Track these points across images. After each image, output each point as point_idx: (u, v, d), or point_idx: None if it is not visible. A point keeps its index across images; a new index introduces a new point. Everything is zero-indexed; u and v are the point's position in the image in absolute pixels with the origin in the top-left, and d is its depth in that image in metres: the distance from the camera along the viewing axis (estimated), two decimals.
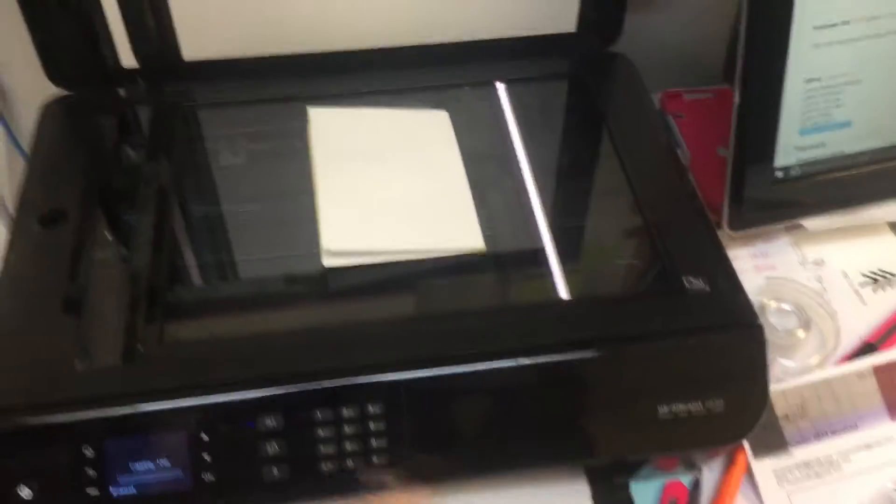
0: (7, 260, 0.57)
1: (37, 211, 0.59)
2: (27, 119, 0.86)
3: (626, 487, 0.59)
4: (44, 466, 0.48)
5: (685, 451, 0.56)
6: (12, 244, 0.58)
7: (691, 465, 0.61)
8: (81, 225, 0.59)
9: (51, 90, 0.70)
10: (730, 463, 0.61)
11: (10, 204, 0.93)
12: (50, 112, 0.69)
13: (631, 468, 0.59)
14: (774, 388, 0.62)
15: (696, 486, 0.60)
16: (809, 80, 0.63)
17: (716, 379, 0.53)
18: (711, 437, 0.54)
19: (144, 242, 0.58)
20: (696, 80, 0.88)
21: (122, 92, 0.71)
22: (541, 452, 0.53)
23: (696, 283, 0.56)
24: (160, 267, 0.57)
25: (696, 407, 0.53)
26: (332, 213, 0.59)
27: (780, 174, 0.65)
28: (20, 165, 0.90)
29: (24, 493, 0.48)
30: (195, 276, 0.61)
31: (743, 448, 0.60)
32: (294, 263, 0.60)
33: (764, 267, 0.70)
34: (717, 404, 0.53)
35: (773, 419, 0.61)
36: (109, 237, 0.60)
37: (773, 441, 0.60)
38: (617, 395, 0.53)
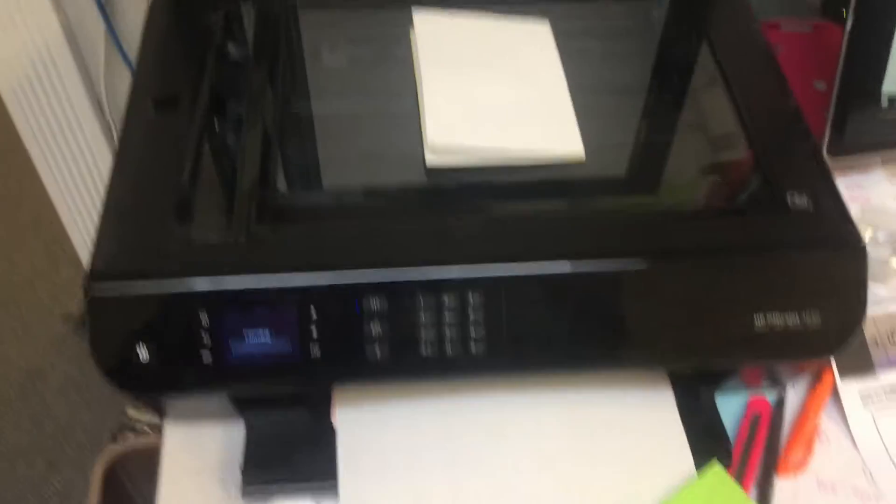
0: (122, 142, 0.59)
1: (150, 96, 0.61)
2: (132, 19, 0.89)
3: (711, 398, 0.60)
4: (163, 332, 0.51)
5: (778, 361, 0.56)
6: (127, 127, 0.60)
7: (777, 383, 0.62)
8: (192, 112, 0.60)
9: None
10: (816, 382, 0.61)
11: (107, 106, 0.96)
12: (158, 6, 0.71)
13: (716, 380, 0.60)
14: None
15: (781, 403, 0.61)
16: None
17: (814, 294, 0.53)
18: (804, 350, 0.54)
19: (254, 133, 0.60)
20: (794, 11, 0.86)
21: None
22: (636, 354, 0.54)
23: (799, 201, 0.56)
24: (269, 155, 0.59)
25: (792, 320, 0.53)
26: (437, 110, 0.59)
27: (885, 102, 0.64)
28: (121, 67, 0.93)
29: (143, 354, 0.51)
30: (302, 167, 0.62)
31: (830, 368, 0.61)
32: (398, 158, 0.61)
33: (858, 198, 0.69)
34: (814, 319, 0.53)
35: (863, 342, 0.61)
36: (219, 125, 0.62)
37: (861, 364, 0.61)
38: (715, 304, 0.53)
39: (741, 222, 0.56)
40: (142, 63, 0.65)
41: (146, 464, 1.11)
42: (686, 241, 0.54)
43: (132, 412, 1.37)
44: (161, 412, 0.59)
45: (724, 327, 0.53)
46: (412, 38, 0.66)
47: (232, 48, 0.69)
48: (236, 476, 0.57)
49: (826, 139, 0.65)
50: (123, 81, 0.94)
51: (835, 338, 0.54)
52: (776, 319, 0.53)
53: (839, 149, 0.66)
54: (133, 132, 0.59)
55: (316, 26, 0.72)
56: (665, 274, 0.53)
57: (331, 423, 0.58)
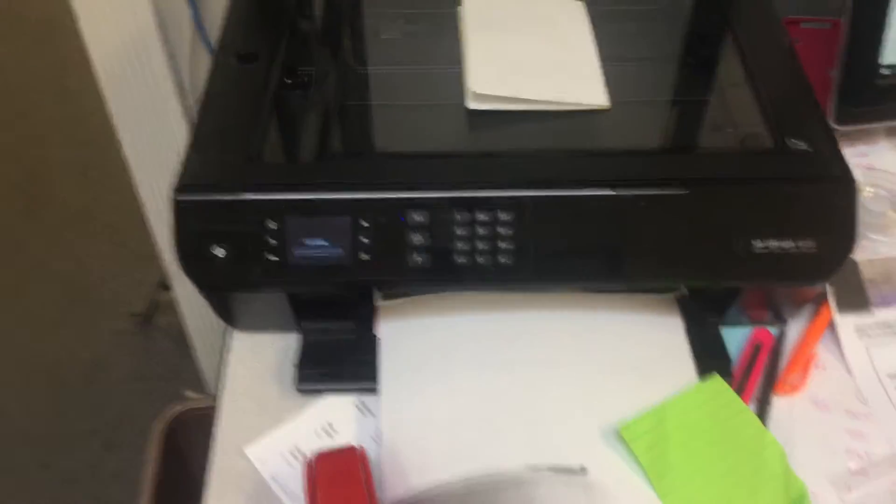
0: (208, 87, 0.69)
1: (234, 50, 0.71)
2: (217, 9, 0.99)
3: (716, 326, 0.67)
4: (237, 234, 0.59)
5: (776, 283, 0.62)
6: (213, 76, 0.70)
7: (778, 318, 0.68)
8: (270, 65, 0.70)
9: None
10: (815, 316, 0.67)
11: (190, 92, 1.06)
12: None
13: (721, 309, 0.66)
14: (863, 257, 0.68)
15: (781, 334, 0.67)
16: None
17: (808, 224, 0.60)
18: (800, 274, 0.61)
19: (320, 86, 0.70)
20: (817, 10, 0.93)
21: None
22: (649, 270, 0.61)
23: (798, 144, 0.63)
24: (332, 103, 0.69)
25: (788, 244, 0.60)
26: (479, 63, 0.68)
27: (886, 71, 0.71)
28: (204, 55, 1.03)
29: (219, 252, 0.60)
30: (360, 112, 0.72)
31: (828, 303, 0.67)
32: (443, 106, 0.70)
33: (863, 165, 0.76)
34: (809, 245, 0.60)
35: (859, 281, 0.67)
36: (290, 78, 0.71)
37: (858, 301, 0.67)
38: (719, 230, 0.60)
39: (746, 160, 0.63)
40: (228, 26, 0.75)
41: (202, 426, 1.19)
42: (696, 173, 0.61)
43: (190, 394, 1.46)
44: (230, 319, 0.68)
45: (727, 250, 0.60)
46: (460, 11, 0.75)
47: (304, 19, 0.79)
48: (292, 375, 0.65)
49: (832, 108, 0.72)
50: (205, 69, 1.04)
51: (828, 264, 0.61)
52: (774, 244, 0.60)
53: (844, 116, 0.72)
54: (218, 80, 0.69)
55: (376, 4, 0.82)
56: (677, 201, 0.60)
57: (374, 334, 0.66)
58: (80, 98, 2.16)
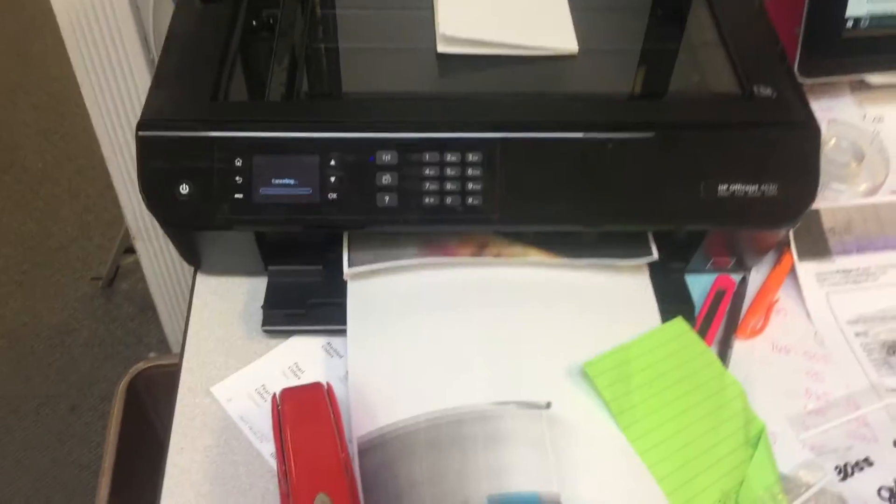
0: (171, 28, 0.68)
1: None
2: None
3: (680, 273, 0.68)
4: (202, 171, 0.59)
5: (740, 227, 0.63)
6: (176, 17, 0.69)
7: (741, 266, 0.69)
8: (235, 7, 0.69)
9: None
10: (776, 264, 0.68)
11: (155, 46, 1.05)
12: None
13: (686, 257, 0.67)
14: (824, 205, 0.69)
15: (744, 280, 0.68)
16: None
17: (773, 167, 0.61)
18: (764, 218, 0.61)
19: (286, 28, 0.69)
20: None
21: None
22: (615, 215, 0.61)
23: (763, 91, 0.63)
24: (299, 45, 0.68)
25: (753, 189, 0.61)
26: (450, 8, 0.68)
27: (850, 23, 0.72)
28: (169, 6, 1.02)
29: (184, 189, 0.59)
30: (329, 54, 0.71)
31: (790, 251, 0.68)
32: (414, 51, 0.69)
33: (827, 118, 0.77)
34: (772, 189, 0.61)
35: (821, 230, 0.68)
36: (256, 21, 0.71)
37: (819, 249, 0.68)
38: (685, 173, 0.60)
39: (712, 105, 0.64)
40: None
41: (166, 384, 1.18)
42: (662, 117, 0.62)
43: (153, 357, 1.45)
44: (196, 260, 0.67)
45: (693, 193, 0.61)
46: None
47: None
48: (258, 317, 0.65)
49: (797, 59, 0.73)
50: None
51: (791, 209, 0.61)
52: (739, 188, 0.60)
53: (810, 67, 0.73)
54: (181, 20, 0.68)
55: None
56: (643, 145, 0.60)
57: (343, 278, 0.65)
58: (42, 63, 2.12)
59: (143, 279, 1.32)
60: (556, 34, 0.68)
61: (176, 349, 1.44)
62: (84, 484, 1.44)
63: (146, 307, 1.65)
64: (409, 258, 0.65)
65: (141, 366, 1.13)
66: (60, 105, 2.00)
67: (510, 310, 0.64)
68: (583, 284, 0.66)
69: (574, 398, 0.58)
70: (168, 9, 1.02)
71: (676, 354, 0.61)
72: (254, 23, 0.70)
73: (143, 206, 0.61)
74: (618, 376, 0.59)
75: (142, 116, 0.60)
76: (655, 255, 0.66)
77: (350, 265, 0.64)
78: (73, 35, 1.02)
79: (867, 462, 0.58)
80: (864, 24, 0.72)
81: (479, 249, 0.66)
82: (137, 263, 1.32)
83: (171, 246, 1.24)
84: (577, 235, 0.67)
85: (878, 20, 0.72)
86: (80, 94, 1.06)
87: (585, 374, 0.59)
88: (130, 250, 1.62)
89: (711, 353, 0.62)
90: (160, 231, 1.20)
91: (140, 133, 0.59)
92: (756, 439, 0.58)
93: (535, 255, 0.66)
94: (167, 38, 0.66)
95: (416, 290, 0.65)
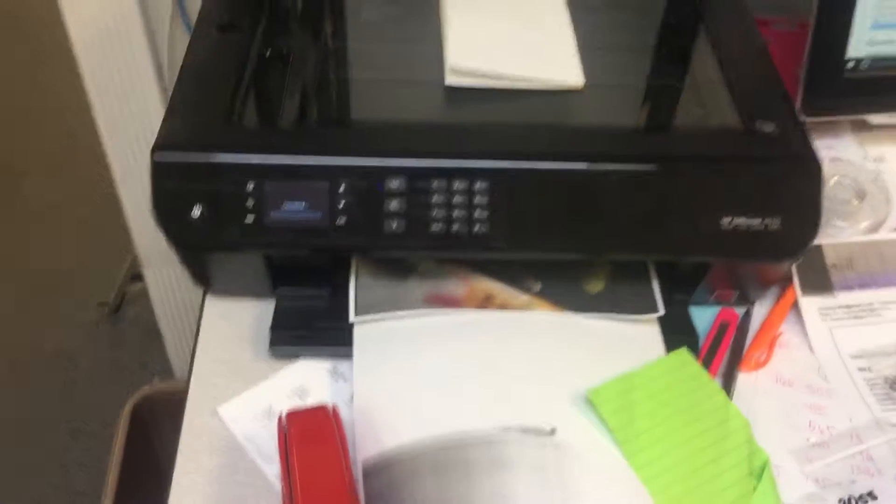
0: (188, 55, 0.69)
1: (214, 21, 0.72)
2: None
3: (684, 305, 0.68)
4: (215, 195, 0.60)
5: (743, 260, 0.64)
6: (192, 45, 0.70)
7: (745, 299, 0.69)
8: (250, 37, 0.71)
9: None
10: (780, 297, 0.69)
11: (168, 75, 1.07)
12: None
13: (690, 289, 0.68)
14: (826, 241, 0.70)
15: (747, 314, 0.69)
16: None
17: (775, 201, 0.61)
18: (767, 251, 0.62)
19: (300, 57, 0.71)
20: (785, 9, 0.95)
21: None
22: (619, 246, 0.62)
23: (766, 126, 0.65)
24: (312, 71, 0.70)
25: (756, 222, 0.61)
26: (458, 40, 0.70)
27: (850, 65, 0.73)
28: (183, 40, 1.04)
29: (196, 212, 0.60)
30: (340, 83, 0.73)
31: (793, 286, 0.69)
32: (423, 81, 0.71)
33: (829, 157, 0.78)
34: (774, 223, 0.61)
35: (823, 265, 0.69)
36: (271, 49, 0.72)
37: (821, 284, 0.69)
38: (689, 206, 0.61)
39: (716, 140, 0.65)
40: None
41: (170, 411, 1.18)
42: (666, 150, 0.63)
43: (158, 383, 1.45)
44: (206, 282, 0.68)
45: (697, 226, 0.61)
46: None
47: None
48: (265, 339, 0.65)
49: (799, 99, 0.74)
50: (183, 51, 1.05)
51: (794, 243, 0.62)
52: (742, 222, 0.61)
53: (811, 106, 0.74)
54: (197, 49, 0.69)
55: None
56: (647, 177, 0.61)
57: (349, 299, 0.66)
58: (52, 91, 2.15)
59: (149, 306, 1.33)
60: (563, 68, 0.69)
61: (181, 375, 1.44)
62: None
63: (151, 334, 1.65)
64: (414, 307, 0.66)
65: (146, 390, 1.13)
66: (69, 133, 2.02)
67: (516, 338, 0.64)
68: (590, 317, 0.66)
69: (578, 425, 0.59)
70: (182, 38, 1.05)
71: (681, 385, 0.61)
72: (268, 52, 0.71)
73: (154, 234, 0.62)
74: (622, 404, 0.59)
75: (157, 140, 0.61)
76: (662, 310, 0.66)
77: (357, 313, 0.65)
78: (88, 62, 1.04)
79: (871, 496, 0.58)
80: (864, 65, 0.73)
81: (485, 302, 0.67)
82: (144, 290, 1.33)
83: (180, 274, 1.26)
84: (582, 289, 0.68)
85: (878, 62, 0.74)
86: (89, 121, 1.08)
87: (590, 402, 0.59)
88: (137, 277, 1.63)
89: (716, 384, 0.62)
90: (169, 258, 1.22)
91: (155, 156, 0.60)
92: (760, 471, 0.58)
93: (541, 309, 0.66)
94: (183, 65, 0.68)
95: (423, 320, 0.66)
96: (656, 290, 0.67)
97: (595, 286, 0.68)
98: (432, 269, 0.68)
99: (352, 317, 0.65)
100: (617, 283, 0.68)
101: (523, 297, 0.67)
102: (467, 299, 0.67)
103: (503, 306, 0.66)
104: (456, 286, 0.68)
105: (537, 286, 0.68)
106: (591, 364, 0.63)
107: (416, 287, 0.67)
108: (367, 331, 0.65)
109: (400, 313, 0.65)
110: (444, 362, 0.63)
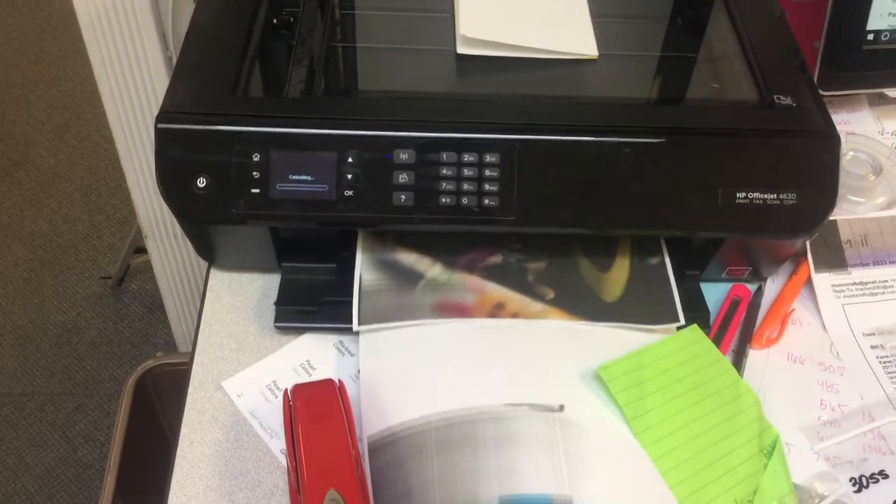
0: (192, 23, 0.67)
1: None
2: None
3: (696, 281, 0.67)
4: (220, 165, 0.59)
5: (758, 235, 0.63)
6: (197, 11, 0.69)
7: (757, 276, 0.68)
8: (257, 3, 0.69)
9: None
10: (793, 274, 0.68)
11: (171, 41, 1.05)
12: None
13: (702, 265, 0.67)
14: (841, 217, 0.69)
15: (759, 290, 0.68)
16: None
17: (791, 176, 0.60)
18: (782, 226, 0.61)
19: (308, 26, 0.69)
20: None
21: None
22: (633, 220, 0.61)
23: (783, 100, 0.63)
24: (319, 39, 0.68)
25: (771, 196, 0.60)
26: (470, 9, 0.68)
27: (871, 37, 0.71)
28: (188, 6, 1.02)
29: (201, 182, 0.59)
30: (349, 52, 0.71)
31: (806, 262, 0.68)
32: (434, 51, 0.70)
33: (846, 131, 0.76)
34: (790, 197, 0.60)
35: (837, 242, 0.68)
36: (278, 18, 0.71)
37: (835, 260, 0.67)
38: (704, 180, 0.60)
39: (733, 112, 0.64)
40: None
41: (173, 383, 1.18)
42: (682, 123, 0.62)
43: (162, 356, 1.45)
44: (210, 255, 0.67)
45: (711, 200, 0.60)
46: None
47: None
48: (271, 314, 0.64)
49: (817, 72, 0.73)
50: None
51: (810, 217, 0.61)
52: (757, 196, 0.60)
53: (829, 80, 0.73)
54: (203, 16, 0.68)
55: None
56: (662, 150, 0.60)
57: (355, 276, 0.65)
58: (57, 61, 2.13)
59: (152, 279, 1.32)
60: (577, 38, 0.68)
61: (184, 349, 1.43)
62: (88, 483, 1.44)
63: (155, 307, 1.65)
64: (423, 317, 0.63)
65: (149, 363, 1.13)
66: (74, 103, 2.01)
67: (526, 309, 0.63)
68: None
69: (587, 402, 0.58)
70: (187, 8, 1.03)
71: (691, 361, 0.60)
72: (274, 20, 0.70)
73: (157, 205, 0.61)
74: (632, 381, 0.58)
75: (161, 108, 0.60)
76: (682, 319, 0.63)
77: (361, 322, 0.62)
78: (92, 32, 1.02)
79: (882, 475, 0.58)
80: (884, 37, 0.72)
81: (496, 310, 0.64)
82: (147, 264, 1.32)
83: (183, 246, 1.25)
84: (597, 297, 0.65)
85: None
86: (94, 92, 1.06)
87: (599, 378, 0.58)
88: (141, 250, 1.62)
89: (726, 361, 0.61)
90: (173, 230, 1.21)
91: (159, 125, 0.59)
92: (770, 449, 0.58)
93: (555, 317, 0.64)
94: (188, 32, 0.66)
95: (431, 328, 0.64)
96: (676, 296, 0.64)
97: (611, 294, 0.65)
98: (441, 276, 0.66)
99: (355, 326, 0.62)
100: (634, 289, 0.65)
101: (537, 306, 0.64)
102: (478, 308, 0.64)
103: (515, 315, 0.64)
104: (466, 294, 0.65)
105: (551, 294, 0.65)
106: (601, 339, 0.62)
107: (425, 295, 0.64)
108: (373, 336, 0.63)
109: (405, 323, 0.63)
110: (451, 335, 0.62)
